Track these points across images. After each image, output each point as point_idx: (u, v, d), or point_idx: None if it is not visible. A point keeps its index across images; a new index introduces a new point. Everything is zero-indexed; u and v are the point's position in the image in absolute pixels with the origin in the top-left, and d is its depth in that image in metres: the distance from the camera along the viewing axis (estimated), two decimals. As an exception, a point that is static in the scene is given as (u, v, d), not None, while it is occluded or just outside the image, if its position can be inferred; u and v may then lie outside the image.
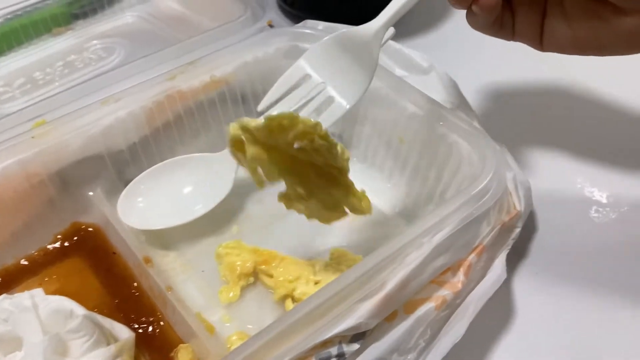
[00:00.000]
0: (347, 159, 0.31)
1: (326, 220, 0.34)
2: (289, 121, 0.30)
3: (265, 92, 0.47)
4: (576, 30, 0.32)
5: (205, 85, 0.41)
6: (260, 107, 0.34)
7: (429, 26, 0.58)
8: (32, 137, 0.36)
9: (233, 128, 0.31)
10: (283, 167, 0.32)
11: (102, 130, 0.38)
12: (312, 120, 0.30)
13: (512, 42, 0.35)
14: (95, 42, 0.54)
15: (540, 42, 0.33)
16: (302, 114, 0.33)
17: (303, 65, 0.34)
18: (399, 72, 0.43)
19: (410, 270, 0.28)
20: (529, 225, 0.38)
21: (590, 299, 0.34)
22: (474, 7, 0.32)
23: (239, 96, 0.45)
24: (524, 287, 0.35)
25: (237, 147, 0.32)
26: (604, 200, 0.39)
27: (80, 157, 0.38)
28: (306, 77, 0.34)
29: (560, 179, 0.41)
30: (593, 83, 0.49)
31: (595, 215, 0.39)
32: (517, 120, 0.46)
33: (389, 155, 0.41)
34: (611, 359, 0.32)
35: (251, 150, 0.31)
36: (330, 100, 0.34)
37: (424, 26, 0.58)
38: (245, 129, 0.31)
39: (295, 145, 0.30)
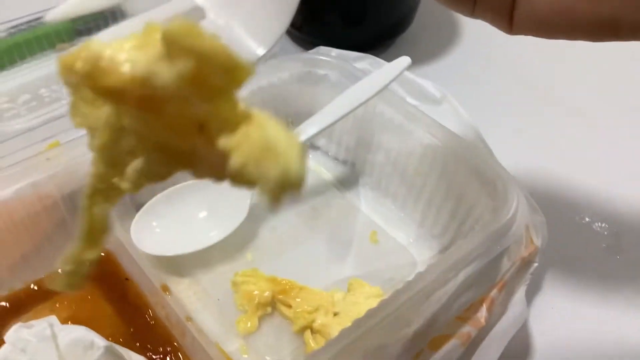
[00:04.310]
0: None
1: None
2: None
3: (276, 116, 0.48)
4: None
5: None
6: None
7: (437, 54, 0.59)
8: (47, 159, 0.36)
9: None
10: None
11: (117, 153, 0.37)
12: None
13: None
14: (101, 59, 0.54)
15: (510, 18, 0.23)
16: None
17: None
18: (410, 101, 0.43)
19: (437, 308, 0.28)
20: (543, 259, 0.38)
21: (607, 332, 0.35)
22: None
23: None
24: (540, 321, 0.35)
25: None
26: (613, 235, 0.40)
27: (94, 179, 0.37)
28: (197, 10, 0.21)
29: (570, 214, 0.42)
30: (606, 115, 0.50)
31: (606, 250, 0.39)
32: (527, 152, 0.47)
33: (402, 185, 0.41)
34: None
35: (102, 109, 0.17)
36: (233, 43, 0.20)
37: (432, 54, 0.59)
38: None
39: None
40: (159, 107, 0.15)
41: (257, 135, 0.15)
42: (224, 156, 0.15)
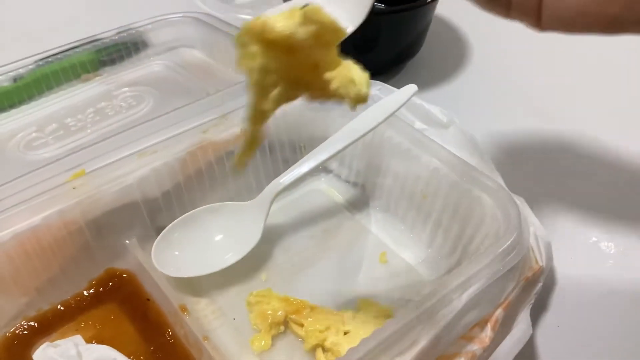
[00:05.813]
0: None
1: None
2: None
3: (290, 141, 0.50)
4: None
5: (236, 137, 0.43)
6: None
7: (445, 78, 0.61)
8: (73, 188, 0.38)
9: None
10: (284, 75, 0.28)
11: (138, 180, 0.40)
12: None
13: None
14: (124, 89, 0.56)
15: (539, 18, 0.28)
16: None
17: None
18: (418, 125, 0.45)
19: (441, 327, 0.29)
20: (549, 279, 0.39)
21: (613, 351, 0.35)
22: None
23: (266, 145, 0.47)
24: (546, 340, 0.36)
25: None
26: (620, 254, 0.41)
27: (117, 205, 0.39)
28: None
29: (577, 233, 0.43)
30: (610, 136, 0.51)
31: (612, 268, 0.40)
32: (532, 173, 0.48)
33: (411, 208, 0.42)
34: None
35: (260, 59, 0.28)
36: None
37: (440, 78, 0.60)
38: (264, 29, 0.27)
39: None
40: (294, 52, 0.27)
41: (345, 72, 0.27)
42: (327, 84, 0.28)
